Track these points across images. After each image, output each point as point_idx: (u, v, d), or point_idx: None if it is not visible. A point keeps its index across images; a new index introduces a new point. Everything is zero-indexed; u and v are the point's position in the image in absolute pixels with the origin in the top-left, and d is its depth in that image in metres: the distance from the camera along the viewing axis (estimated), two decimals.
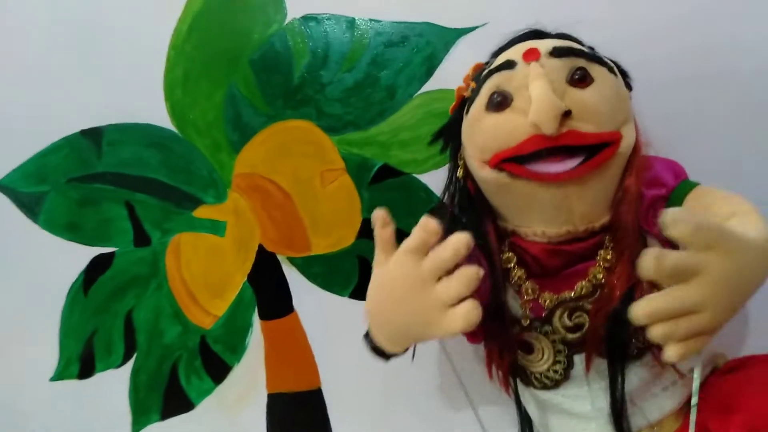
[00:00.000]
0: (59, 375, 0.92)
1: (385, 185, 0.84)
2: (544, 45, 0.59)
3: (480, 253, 0.65)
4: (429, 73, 0.82)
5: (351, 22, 0.83)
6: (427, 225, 0.45)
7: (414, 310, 0.46)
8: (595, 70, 0.58)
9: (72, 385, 0.91)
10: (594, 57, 0.59)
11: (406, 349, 0.55)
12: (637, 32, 0.76)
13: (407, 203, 0.84)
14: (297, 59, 0.85)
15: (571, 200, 0.57)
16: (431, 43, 0.82)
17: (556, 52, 0.58)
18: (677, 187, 0.61)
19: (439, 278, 0.45)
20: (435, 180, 0.83)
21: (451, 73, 0.81)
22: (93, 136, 0.89)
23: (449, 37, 0.81)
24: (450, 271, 0.46)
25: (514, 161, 0.57)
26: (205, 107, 0.87)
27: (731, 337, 0.77)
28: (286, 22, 0.84)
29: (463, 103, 0.65)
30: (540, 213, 0.59)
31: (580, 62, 0.58)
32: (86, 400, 0.91)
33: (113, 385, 0.91)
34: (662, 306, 0.42)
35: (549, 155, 0.56)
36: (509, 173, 0.58)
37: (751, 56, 0.75)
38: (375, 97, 0.83)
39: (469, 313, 0.43)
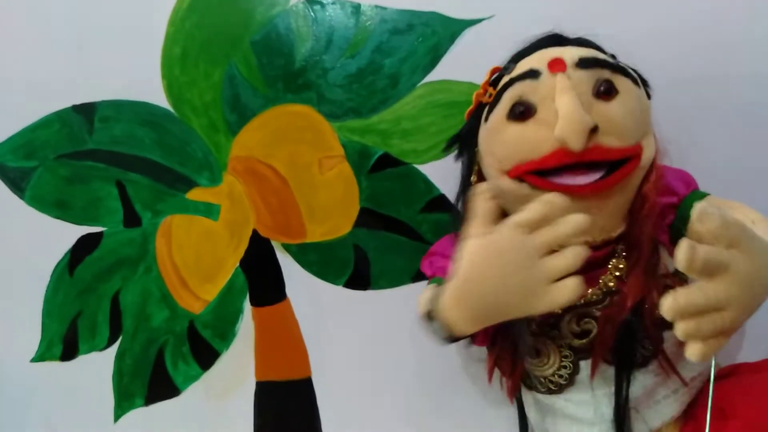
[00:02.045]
0: (41, 356, 0.89)
1: (385, 174, 0.83)
2: (570, 55, 0.57)
3: None
4: (433, 63, 0.81)
5: (356, 8, 0.82)
6: (552, 200, 0.47)
7: (521, 283, 0.47)
8: (620, 81, 0.57)
9: (54, 367, 0.89)
10: (618, 68, 0.58)
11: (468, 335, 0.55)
12: (640, 30, 0.76)
13: (406, 193, 0.83)
14: (300, 42, 0.83)
15: (592, 212, 0.56)
16: (437, 32, 0.81)
17: (583, 63, 0.57)
18: (688, 196, 0.62)
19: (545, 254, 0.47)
20: (435, 171, 0.82)
21: (455, 64, 0.81)
22: (85, 111, 0.86)
23: (455, 27, 0.81)
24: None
25: (535, 173, 0.56)
26: (203, 87, 0.85)
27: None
28: (290, 4, 0.83)
29: (480, 109, 0.63)
30: None
31: (606, 74, 0.57)
32: (68, 383, 0.89)
33: (97, 368, 0.88)
34: (690, 301, 0.42)
35: (572, 169, 0.55)
36: (530, 185, 0.57)
37: (754, 57, 0.75)
38: (378, 85, 0.82)
39: (577, 286, 0.46)
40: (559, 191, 0.55)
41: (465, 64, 0.80)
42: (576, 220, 0.47)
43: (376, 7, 0.82)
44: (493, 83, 0.62)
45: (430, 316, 0.55)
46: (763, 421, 0.55)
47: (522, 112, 0.57)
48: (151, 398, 0.89)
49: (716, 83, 0.76)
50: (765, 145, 0.76)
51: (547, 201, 0.48)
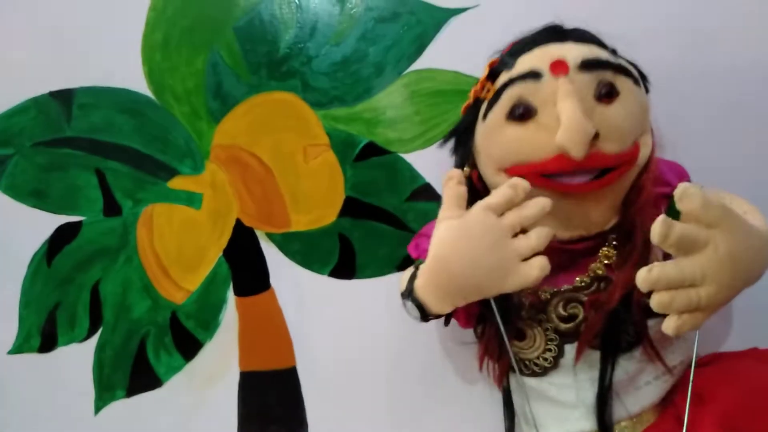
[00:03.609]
0: (18, 348, 0.88)
1: (370, 163, 0.83)
2: (572, 56, 0.56)
3: None
4: (419, 51, 0.81)
5: None
6: (518, 184, 0.50)
7: (492, 263, 0.50)
8: (621, 82, 0.57)
9: (32, 359, 0.87)
10: (620, 68, 0.58)
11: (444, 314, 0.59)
12: (628, 19, 0.76)
13: (391, 182, 0.82)
14: (284, 29, 0.82)
15: (588, 208, 0.58)
16: (422, 21, 0.81)
17: (585, 65, 0.56)
18: None
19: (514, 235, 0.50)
20: (420, 160, 0.82)
21: (441, 53, 0.81)
22: (63, 98, 0.85)
23: (441, 16, 0.80)
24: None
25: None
26: (185, 73, 0.84)
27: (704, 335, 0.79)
28: None
29: (477, 104, 0.62)
30: (553, 219, 0.57)
31: (608, 75, 0.56)
32: (47, 376, 0.87)
33: (76, 360, 0.87)
34: (663, 274, 0.44)
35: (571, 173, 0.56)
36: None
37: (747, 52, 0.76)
38: (363, 73, 0.82)
39: (544, 264, 0.49)
40: (558, 189, 0.56)
41: (450, 53, 0.80)
42: (541, 203, 0.50)
43: None
44: (490, 77, 0.61)
45: (405, 295, 0.58)
46: (739, 406, 0.57)
47: (522, 113, 0.56)
48: (133, 390, 0.87)
49: (709, 75, 0.77)
50: (757, 136, 0.77)
51: (513, 185, 0.50)
